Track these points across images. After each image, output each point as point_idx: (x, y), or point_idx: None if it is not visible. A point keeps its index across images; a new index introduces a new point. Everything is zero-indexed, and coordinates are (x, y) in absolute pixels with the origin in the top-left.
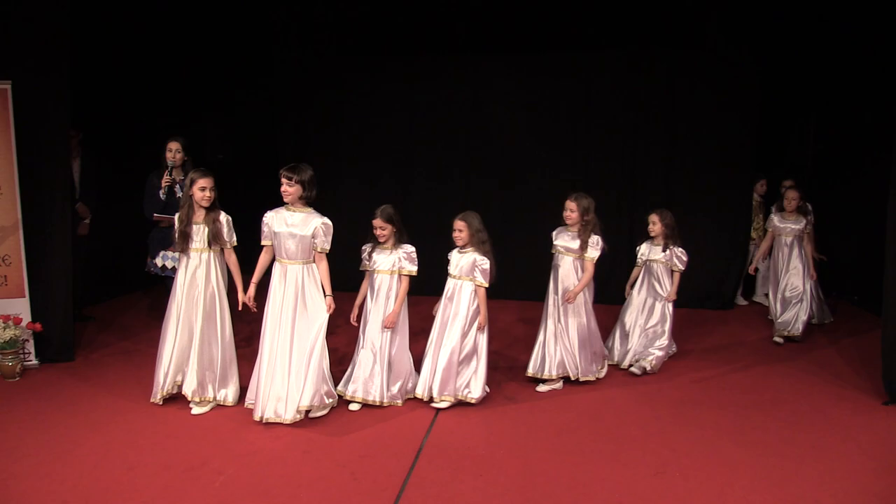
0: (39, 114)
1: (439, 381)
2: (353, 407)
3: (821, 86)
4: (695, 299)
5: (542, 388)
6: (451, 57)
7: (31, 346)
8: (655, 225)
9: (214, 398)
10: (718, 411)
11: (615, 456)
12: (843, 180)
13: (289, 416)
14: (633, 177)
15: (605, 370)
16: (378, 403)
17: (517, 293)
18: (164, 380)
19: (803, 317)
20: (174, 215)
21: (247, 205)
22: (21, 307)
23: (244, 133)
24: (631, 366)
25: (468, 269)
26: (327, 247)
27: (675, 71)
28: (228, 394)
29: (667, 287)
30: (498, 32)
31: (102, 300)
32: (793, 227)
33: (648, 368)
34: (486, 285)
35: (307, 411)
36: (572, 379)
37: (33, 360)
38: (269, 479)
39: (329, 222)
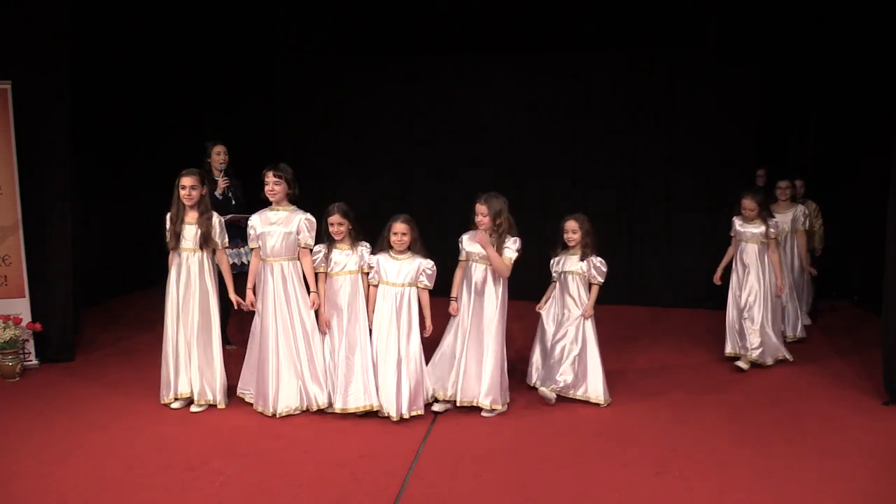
0: (39, 114)
1: (411, 397)
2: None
3: (821, 86)
4: (694, 299)
5: (437, 407)
6: (451, 57)
7: (31, 346)
8: (576, 233)
9: (214, 398)
10: (718, 411)
11: (615, 456)
12: (843, 180)
13: (276, 410)
14: (633, 177)
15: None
16: (376, 410)
17: (520, 293)
18: (172, 382)
19: (773, 341)
20: (238, 214)
21: (246, 205)
22: (21, 307)
23: (244, 133)
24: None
25: (414, 274)
26: (311, 242)
27: (675, 71)
28: (222, 394)
29: (584, 302)
30: (498, 32)
31: (102, 300)
32: (753, 231)
33: (601, 403)
34: (432, 287)
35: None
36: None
37: (33, 360)
38: (269, 479)
39: (312, 218)
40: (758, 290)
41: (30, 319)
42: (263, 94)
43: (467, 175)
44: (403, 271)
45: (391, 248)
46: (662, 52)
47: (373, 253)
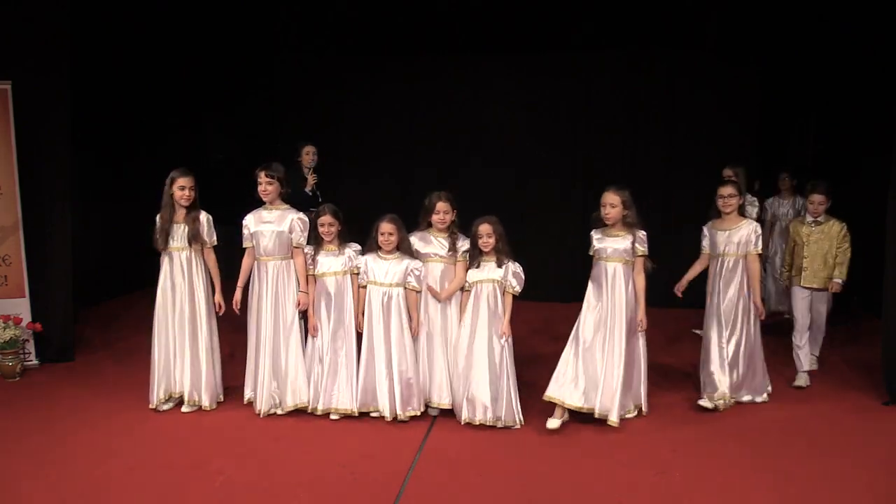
0: (39, 114)
1: (404, 397)
2: (334, 416)
3: (821, 86)
4: (695, 300)
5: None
6: (451, 57)
7: (31, 346)
8: (491, 237)
9: (200, 399)
10: (718, 411)
11: (615, 456)
12: (843, 180)
13: (289, 405)
14: (633, 177)
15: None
16: (361, 413)
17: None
18: (157, 384)
19: (612, 398)
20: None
21: (246, 205)
22: (21, 307)
23: (244, 133)
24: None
25: (402, 275)
26: (304, 242)
27: (675, 71)
28: (209, 396)
29: (501, 314)
30: (498, 32)
31: (102, 300)
32: (615, 247)
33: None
34: (420, 289)
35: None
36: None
37: (33, 360)
38: (269, 479)
39: (305, 217)
40: (602, 331)
41: (30, 319)
42: (263, 94)
43: (467, 175)
44: (392, 271)
45: (379, 248)
46: (662, 52)
47: (362, 254)
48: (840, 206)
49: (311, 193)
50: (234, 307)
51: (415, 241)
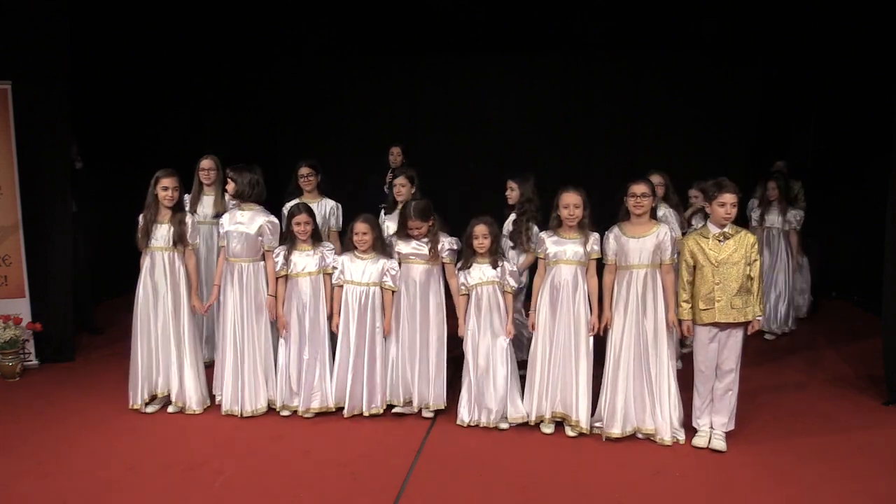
0: (39, 114)
1: (370, 394)
2: (308, 416)
3: (821, 86)
4: None
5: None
6: (451, 57)
7: (31, 346)
8: (486, 238)
9: (184, 400)
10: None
11: (615, 456)
12: (843, 180)
13: (247, 410)
14: (632, 177)
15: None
16: (332, 410)
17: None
18: (139, 385)
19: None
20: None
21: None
22: (21, 307)
23: (244, 133)
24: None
25: (378, 274)
26: (274, 245)
27: (675, 71)
28: (195, 397)
29: (503, 314)
30: (498, 32)
31: (102, 300)
32: (575, 249)
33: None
34: (396, 289)
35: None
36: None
37: (33, 360)
38: (269, 479)
39: (275, 221)
40: (559, 337)
41: (30, 319)
42: (263, 95)
43: (467, 175)
44: (368, 271)
45: (355, 248)
46: (662, 53)
47: (340, 254)
48: (840, 207)
49: (387, 192)
50: (202, 309)
51: (393, 240)
